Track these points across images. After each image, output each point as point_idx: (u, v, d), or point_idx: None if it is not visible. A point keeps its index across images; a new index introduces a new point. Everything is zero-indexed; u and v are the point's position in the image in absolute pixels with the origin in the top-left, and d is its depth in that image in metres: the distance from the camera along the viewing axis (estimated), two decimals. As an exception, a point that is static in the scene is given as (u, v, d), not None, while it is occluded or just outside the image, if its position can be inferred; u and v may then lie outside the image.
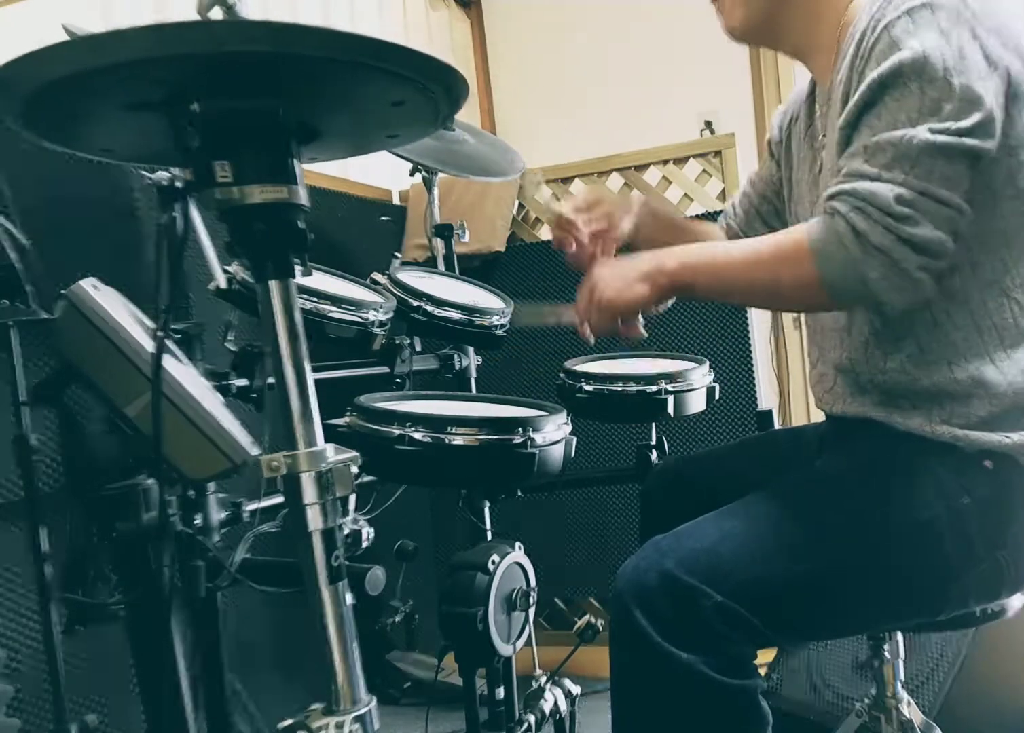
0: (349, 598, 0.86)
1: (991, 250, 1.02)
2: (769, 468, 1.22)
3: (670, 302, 1.12)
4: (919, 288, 0.95)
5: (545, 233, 2.59)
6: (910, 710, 1.37)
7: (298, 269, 0.84)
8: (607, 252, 1.28)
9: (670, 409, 1.57)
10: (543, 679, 1.49)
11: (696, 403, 1.66)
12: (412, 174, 2.02)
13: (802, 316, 1.54)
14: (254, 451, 1.03)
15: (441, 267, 2.00)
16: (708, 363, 1.72)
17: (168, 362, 0.94)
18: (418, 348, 1.71)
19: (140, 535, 1.07)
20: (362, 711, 0.85)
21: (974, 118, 0.93)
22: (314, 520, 0.83)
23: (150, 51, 0.66)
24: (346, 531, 0.87)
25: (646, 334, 1.15)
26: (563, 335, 2.47)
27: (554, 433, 1.20)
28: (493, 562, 1.24)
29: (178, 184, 1.18)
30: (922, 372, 1.05)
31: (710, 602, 0.95)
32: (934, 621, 1.09)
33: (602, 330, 1.14)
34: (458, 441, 1.14)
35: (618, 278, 1.09)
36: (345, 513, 0.86)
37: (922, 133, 0.93)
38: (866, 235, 0.94)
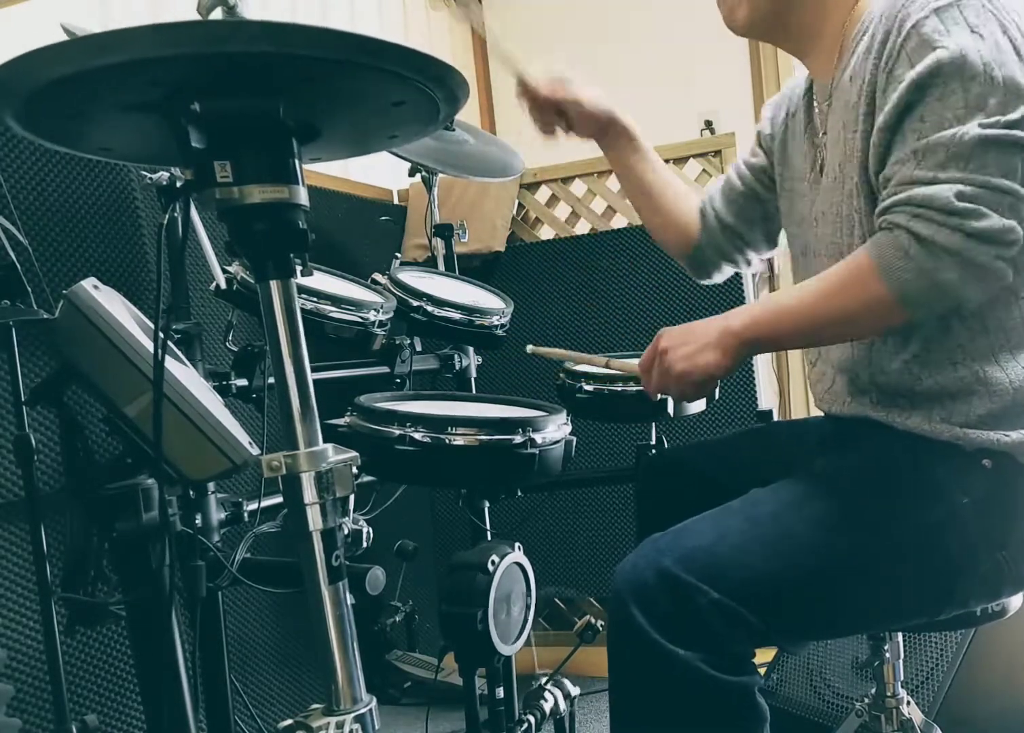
0: (349, 598, 0.86)
1: None
2: (768, 461, 1.22)
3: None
4: (1001, 277, 0.94)
5: (545, 233, 2.59)
6: (910, 710, 1.38)
7: (298, 269, 0.84)
8: (562, 118, 1.34)
9: (670, 409, 1.57)
10: (543, 679, 1.49)
11: (696, 403, 1.66)
12: (412, 174, 2.02)
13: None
14: (254, 451, 1.03)
15: (441, 267, 2.00)
16: (708, 363, 1.71)
17: (168, 362, 0.94)
18: (418, 348, 1.71)
19: (140, 535, 1.07)
20: (362, 711, 0.85)
21: (1021, 110, 0.93)
22: (314, 520, 0.83)
23: (150, 51, 0.66)
24: (346, 531, 0.87)
25: (717, 395, 1.13)
26: (563, 335, 2.48)
27: (554, 433, 1.20)
28: (493, 562, 1.24)
29: (178, 184, 1.18)
30: (925, 372, 1.05)
31: (708, 600, 0.95)
32: (934, 621, 1.08)
33: (678, 399, 1.14)
34: (458, 441, 1.14)
35: (685, 344, 1.06)
36: (345, 513, 0.86)
37: (973, 129, 0.92)
38: (932, 240, 0.93)
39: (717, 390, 1.11)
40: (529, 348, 1.31)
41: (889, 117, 0.99)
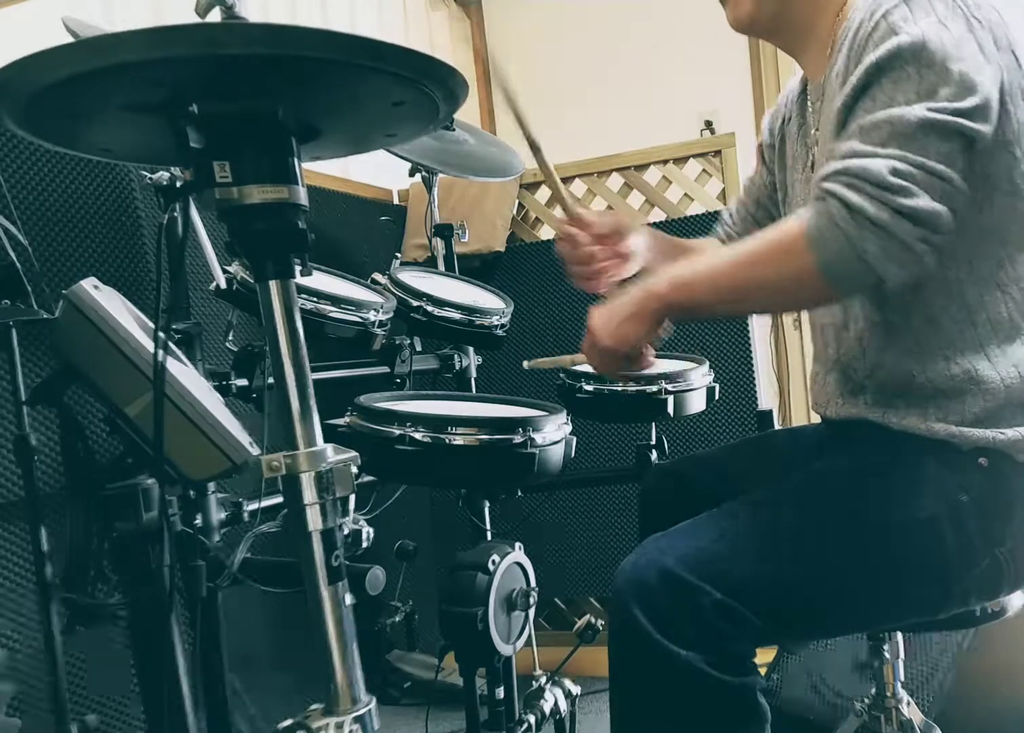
0: (349, 598, 0.86)
1: (987, 245, 1.02)
2: (768, 469, 1.22)
3: (670, 327, 1.07)
4: (919, 260, 0.93)
5: (545, 233, 2.59)
6: (910, 710, 1.38)
7: (298, 269, 0.84)
8: (620, 270, 1.25)
9: (670, 409, 1.57)
10: (543, 679, 1.49)
11: (696, 403, 1.66)
12: (412, 174, 2.02)
13: (803, 315, 1.53)
14: (254, 451, 1.03)
15: (441, 267, 2.00)
16: (708, 363, 1.72)
17: (168, 362, 0.94)
18: (418, 348, 1.71)
19: (140, 535, 1.07)
20: (362, 711, 0.85)
21: (971, 101, 0.93)
22: (314, 520, 0.83)
23: (149, 53, 0.66)
24: (346, 531, 0.87)
25: (654, 361, 1.11)
26: (563, 336, 2.47)
27: (554, 433, 1.20)
28: (493, 562, 1.24)
29: (178, 184, 1.18)
30: (918, 366, 1.05)
31: (709, 600, 0.95)
32: (934, 620, 1.09)
33: (613, 372, 1.13)
34: (458, 441, 1.14)
35: (609, 321, 1.06)
36: (345, 513, 0.86)
37: (919, 110, 0.92)
38: (861, 209, 0.92)
39: (650, 355, 1.10)
40: (526, 364, 1.30)
41: (847, 98, 1.00)
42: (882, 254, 0.92)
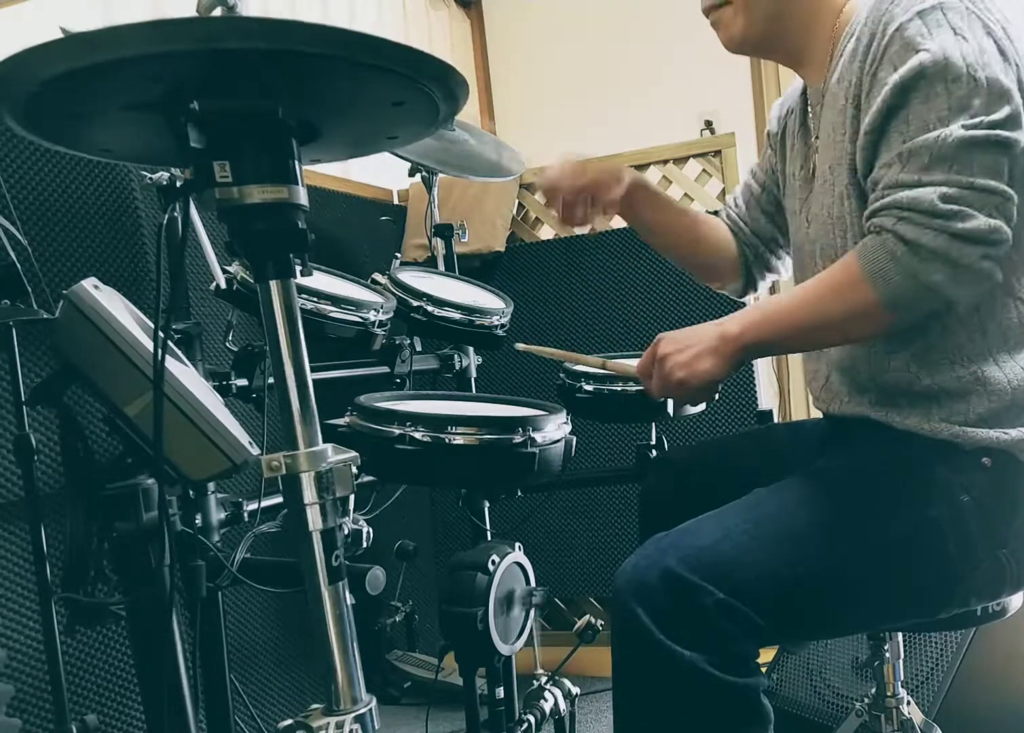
0: (349, 598, 0.86)
1: None
2: (770, 464, 1.22)
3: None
4: (988, 277, 0.95)
5: (545, 233, 2.59)
6: (910, 710, 1.38)
7: (298, 269, 0.84)
8: (595, 212, 1.30)
9: (670, 409, 1.57)
10: (543, 679, 1.49)
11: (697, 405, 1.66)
12: (412, 174, 2.02)
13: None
14: (254, 451, 1.03)
15: (441, 267, 2.00)
16: (708, 363, 1.71)
17: (168, 362, 0.94)
18: (418, 348, 1.71)
19: (140, 535, 1.07)
20: (362, 711, 0.85)
21: (1004, 110, 0.94)
22: (314, 520, 0.83)
23: (148, 48, 0.66)
24: (346, 531, 0.87)
25: (717, 397, 1.13)
26: (563, 335, 2.48)
27: (554, 433, 1.20)
28: (493, 562, 1.24)
29: (178, 184, 1.18)
30: (924, 371, 1.05)
31: (712, 599, 0.95)
32: (934, 620, 1.09)
33: (679, 404, 1.14)
34: (458, 441, 1.14)
35: (686, 353, 1.06)
36: (345, 513, 0.86)
37: (956, 130, 0.93)
38: (918, 242, 0.93)
39: (718, 391, 1.12)
40: (519, 346, 1.31)
41: (874, 121, 0.99)
42: (950, 281, 0.94)
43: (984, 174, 0.93)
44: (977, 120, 0.93)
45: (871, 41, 1.01)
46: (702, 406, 1.68)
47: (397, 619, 1.59)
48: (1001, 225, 0.93)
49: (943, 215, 0.92)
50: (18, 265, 1.05)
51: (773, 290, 2.64)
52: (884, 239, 0.95)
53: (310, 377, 0.85)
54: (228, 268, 1.42)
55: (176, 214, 1.26)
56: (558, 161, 1.31)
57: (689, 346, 1.07)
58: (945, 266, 0.93)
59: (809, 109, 1.20)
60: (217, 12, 1.02)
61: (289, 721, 0.84)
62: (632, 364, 1.19)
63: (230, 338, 1.44)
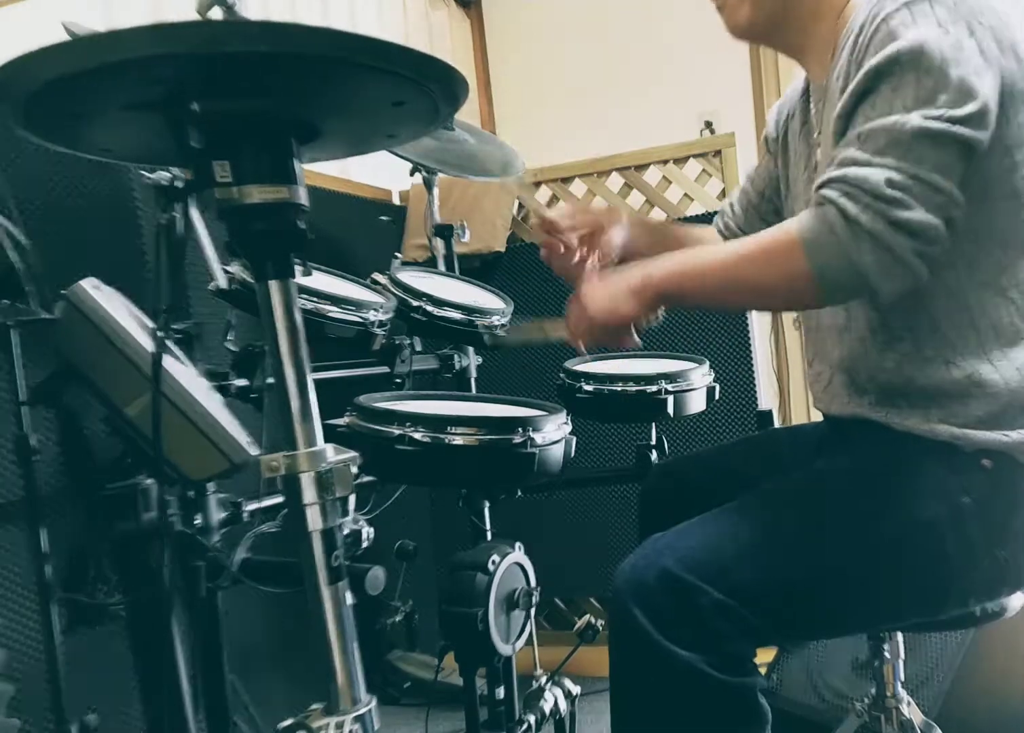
0: (349, 598, 0.86)
1: (987, 249, 1.02)
2: (769, 468, 1.22)
3: (662, 312, 1.10)
4: (913, 273, 0.94)
5: (536, 237, 2.59)
6: (910, 710, 1.38)
7: (298, 269, 0.84)
8: (599, 262, 1.26)
9: (670, 409, 1.57)
10: (543, 679, 1.49)
11: (696, 403, 1.66)
12: (412, 174, 2.02)
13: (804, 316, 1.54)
14: (254, 451, 1.03)
15: (441, 267, 1.99)
16: (708, 363, 1.72)
17: (168, 362, 0.94)
18: (418, 348, 1.71)
19: (140, 535, 1.07)
20: (362, 711, 0.85)
21: (968, 108, 0.93)
22: (314, 520, 0.83)
23: (149, 50, 0.66)
24: (346, 531, 0.87)
25: (640, 342, 1.13)
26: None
27: (554, 433, 1.20)
28: (493, 562, 1.24)
29: (178, 184, 1.18)
30: (918, 371, 1.05)
31: (709, 600, 0.95)
32: (934, 621, 1.09)
33: (594, 343, 1.13)
34: (458, 441, 1.14)
35: (606, 295, 1.08)
36: (345, 513, 0.86)
37: (915, 119, 0.93)
38: (857, 219, 0.93)
39: (635, 336, 1.11)
40: (489, 341, 1.29)
41: (846, 103, 1.00)
42: (876, 266, 0.93)
43: (934, 169, 0.93)
44: (939, 113, 0.93)
45: (861, 31, 1.01)
46: (702, 404, 1.68)
47: (397, 619, 1.59)
48: (939, 224, 0.93)
49: (886, 199, 0.92)
50: (18, 265, 1.05)
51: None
52: (826, 210, 0.95)
53: (310, 377, 0.85)
54: (228, 268, 1.41)
55: (176, 214, 1.26)
56: (554, 209, 1.29)
57: (608, 288, 1.08)
58: (876, 249, 0.92)
59: (812, 106, 1.20)
60: (216, 11, 1.02)
61: (289, 721, 0.84)
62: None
63: (230, 338, 1.44)
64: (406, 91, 0.77)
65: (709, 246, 1.09)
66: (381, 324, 1.48)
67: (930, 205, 0.92)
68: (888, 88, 0.95)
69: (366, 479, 1.17)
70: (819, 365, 1.21)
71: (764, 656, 1.73)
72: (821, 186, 0.98)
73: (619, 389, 1.59)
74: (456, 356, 1.90)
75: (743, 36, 1.17)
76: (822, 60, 1.13)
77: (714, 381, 1.71)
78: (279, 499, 1.37)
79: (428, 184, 2.02)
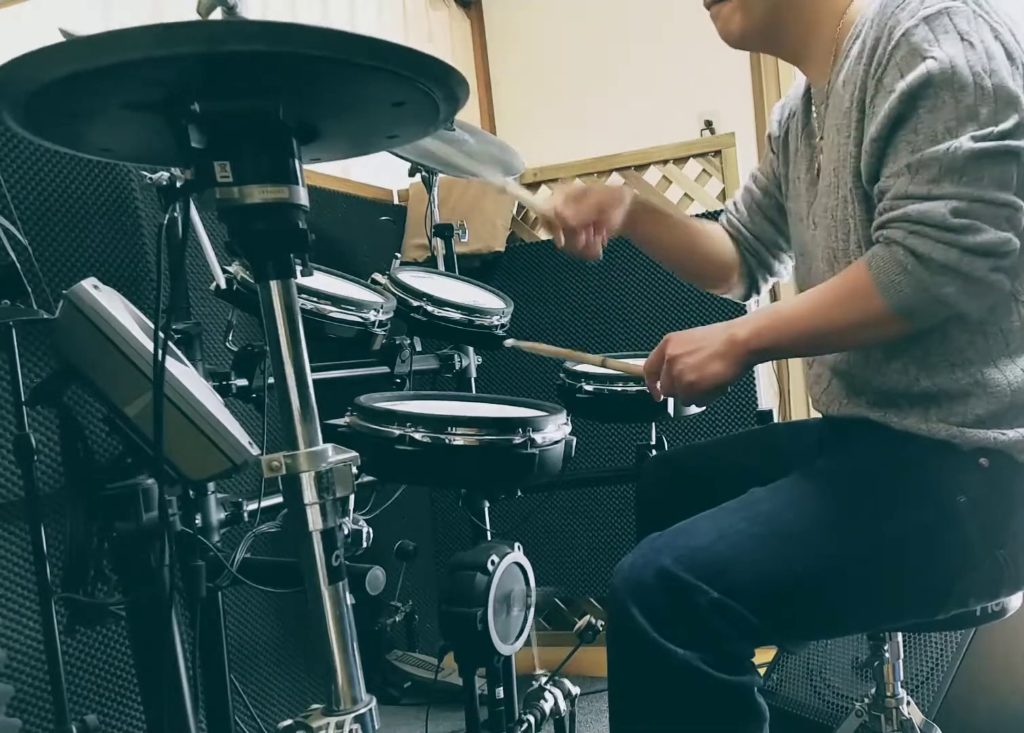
0: (349, 598, 0.86)
1: None
2: (768, 463, 1.22)
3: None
4: (998, 288, 0.96)
5: (545, 233, 2.59)
6: (910, 710, 1.38)
7: (298, 269, 0.84)
8: (600, 238, 1.28)
9: (670, 409, 1.57)
10: (543, 679, 1.49)
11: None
12: (412, 174, 2.02)
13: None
14: (254, 451, 1.03)
15: (441, 267, 2.00)
16: (708, 363, 1.71)
17: (168, 362, 0.94)
18: (418, 348, 1.71)
19: (140, 535, 1.07)
20: (362, 711, 0.85)
21: (1013, 119, 0.94)
22: (314, 520, 0.83)
23: (150, 51, 0.66)
24: (346, 531, 0.87)
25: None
26: (563, 335, 2.47)
27: (554, 433, 1.20)
28: (493, 562, 1.24)
29: (178, 184, 1.17)
30: (924, 373, 1.05)
31: (707, 599, 0.95)
32: (934, 621, 1.09)
33: (687, 404, 1.15)
34: (458, 441, 1.14)
35: (696, 359, 1.07)
36: (345, 513, 0.86)
37: (966, 143, 0.93)
38: (929, 256, 0.94)
39: (725, 394, 1.13)
40: (508, 342, 1.30)
41: (881, 128, 0.99)
42: (960, 293, 0.95)
43: (994, 187, 0.93)
44: (987, 131, 0.93)
45: (876, 44, 1.00)
46: (703, 406, 1.68)
47: (397, 619, 1.59)
48: (1011, 237, 0.94)
49: (954, 229, 0.93)
50: (18, 265, 1.05)
51: (774, 292, 2.64)
52: (894, 251, 0.96)
53: (310, 377, 0.85)
54: (228, 268, 1.42)
55: (176, 214, 1.26)
56: (558, 189, 1.30)
57: (699, 348, 1.07)
58: (956, 279, 0.94)
59: (813, 109, 1.20)
60: (217, 12, 1.02)
61: (289, 721, 0.84)
62: (632, 363, 1.18)
63: (230, 338, 1.44)
64: (406, 91, 0.77)
65: (791, 299, 1.11)
66: (381, 324, 1.48)
67: (999, 222, 0.93)
68: (926, 111, 0.95)
69: (366, 479, 1.17)
70: (819, 367, 1.21)
71: (764, 656, 1.73)
72: (882, 226, 0.98)
73: (619, 389, 1.59)
74: (456, 356, 1.90)
75: (737, 45, 1.16)
76: (822, 64, 1.13)
77: (714, 381, 1.70)
78: (279, 499, 1.37)
79: (428, 184, 2.02)
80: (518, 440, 1.15)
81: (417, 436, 1.12)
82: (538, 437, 1.16)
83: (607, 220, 1.28)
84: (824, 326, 1.03)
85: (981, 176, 0.93)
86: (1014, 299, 1.03)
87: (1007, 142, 0.93)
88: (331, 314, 1.41)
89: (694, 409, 1.66)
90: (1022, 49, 0.97)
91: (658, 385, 1.12)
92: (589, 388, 1.60)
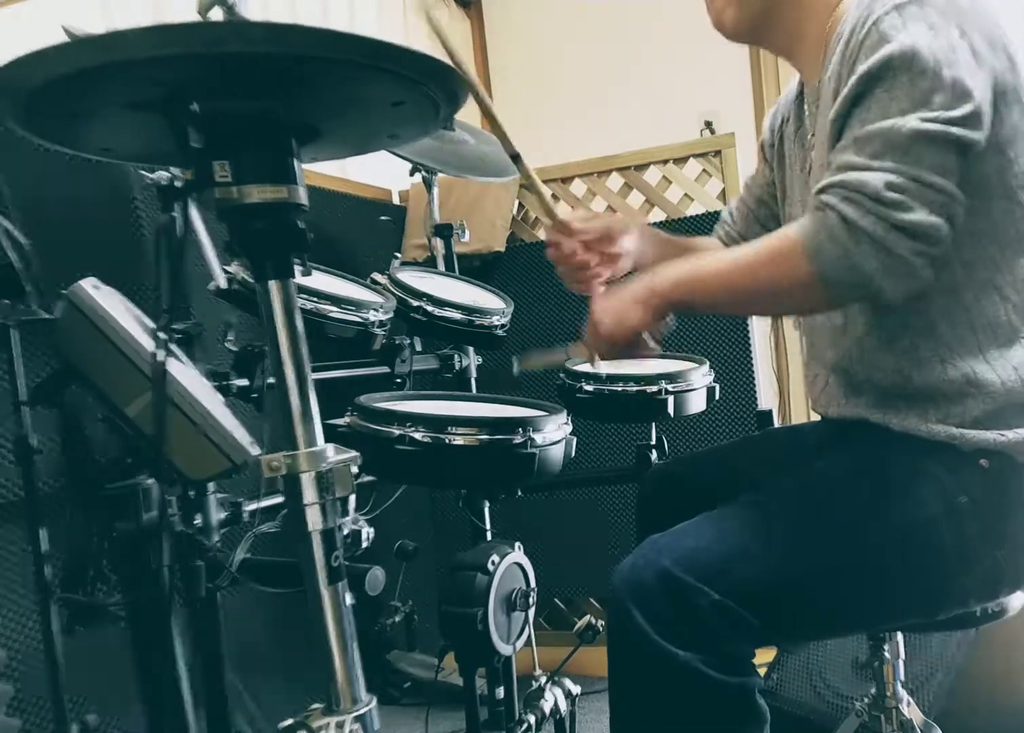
0: (349, 598, 0.86)
1: (983, 248, 1.02)
2: (767, 468, 1.22)
3: (672, 320, 1.11)
4: (917, 274, 0.95)
5: (545, 233, 2.59)
6: (910, 710, 1.37)
7: (298, 269, 0.84)
8: (611, 271, 1.25)
9: (670, 409, 1.57)
10: (543, 679, 1.49)
11: (696, 403, 1.66)
12: (412, 174, 2.02)
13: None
14: (254, 451, 1.03)
15: (441, 267, 2.00)
16: (708, 363, 1.72)
17: (168, 362, 0.94)
18: (418, 348, 1.71)
19: (140, 535, 1.07)
20: (362, 711, 0.85)
21: (964, 109, 0.94)
22: (314, 520, 0.83)
23: (150, 51, 0.66)
24: (346, 531, 0.87)
25: (659, 349, 1.13)
26: (563, 335, 2.47)
27: (554, 433, 1.20)
28: (493, 562, 1.24)
29: (178, 184, 1.18)
30: (915, 371, 1.05)
31: (707, 600, 0.95)
32: (934, 621, 1.09)
33: (612, 357, 1.14)
34: (458, 441, 1.14)
35: (612, 308, 1.09)
36: (345, 513, 0.86)
37: (912, 121, 0.93)
38: (857, 224, 0.93)
39: (651, 343, 1.11)
40: (516, 366, 1.29)
41: (841, 107, 1.00)
42: (881, 269, 0.93)
43: (933, 170, 0.93)
44: (935, 114, 0.93)
45: (851, 36, 1.01)
46: (702, 404, 1.68)
47: (397, 619, 1.59)
48: (940, 223, 0.93)
49: (886, 203, 0.92)
50: (18, 265, 1.05)
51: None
52: (826, 215, 0.95)
53: (310, 377, 0.85)
54: (228, 268, 1.42)
55: (176, 214, 1.26)
56: (566, 216, 1.28)
57: (615, 300, 1.09)
58: (879, 253, 0.93)
59: (806, 108, 1.20)
60: (217, 11, 1.02)
61: (289, 721, 0.84)
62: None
63: (230, 338, 1.44)
64: (406, 91, 0.78)
65: (715, 252, 1.10)
66: (381, 324, 1.49)
67: (931, 205, 0.93)
68: (882, 91, 0.96)
69: (366, 479, 1.17)
70: (815, 367, 1.21)
71: (764, 656, 1.73)
72: (820, 191, 0.98)
73: (619, 389, 1.59)
74: (456, 356, 1.90)
75: (731, 37, 1.17)
76: (814, 61, 1.13)
77: (714, 381, 1.71)
78: (279, 499, 1.37)
79: (428, 184, 2.02)
80: (518, 440, 1.15)
81: (417, 436, 1.13)
82: (538, 437, 1.16)
83: (615, 247, 1.25)
84: (744, 283, 1.02)
85: (921, 157, 0.93)
86: (998, 294, 1.03)
87: (951, 129, 0.93)
88: (331, 314, 1.41)
89: (694, 408, 1.66)
90: (995, 49, 0.97)
91: (585, 338, 1.12)
92: (589, 388, 1.60)
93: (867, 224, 0.92)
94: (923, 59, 0.93)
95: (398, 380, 1.65)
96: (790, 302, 1.05)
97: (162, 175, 1.33)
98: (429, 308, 1.60)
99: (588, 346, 1.13)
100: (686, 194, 2.44)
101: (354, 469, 0.85)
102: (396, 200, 2.68)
